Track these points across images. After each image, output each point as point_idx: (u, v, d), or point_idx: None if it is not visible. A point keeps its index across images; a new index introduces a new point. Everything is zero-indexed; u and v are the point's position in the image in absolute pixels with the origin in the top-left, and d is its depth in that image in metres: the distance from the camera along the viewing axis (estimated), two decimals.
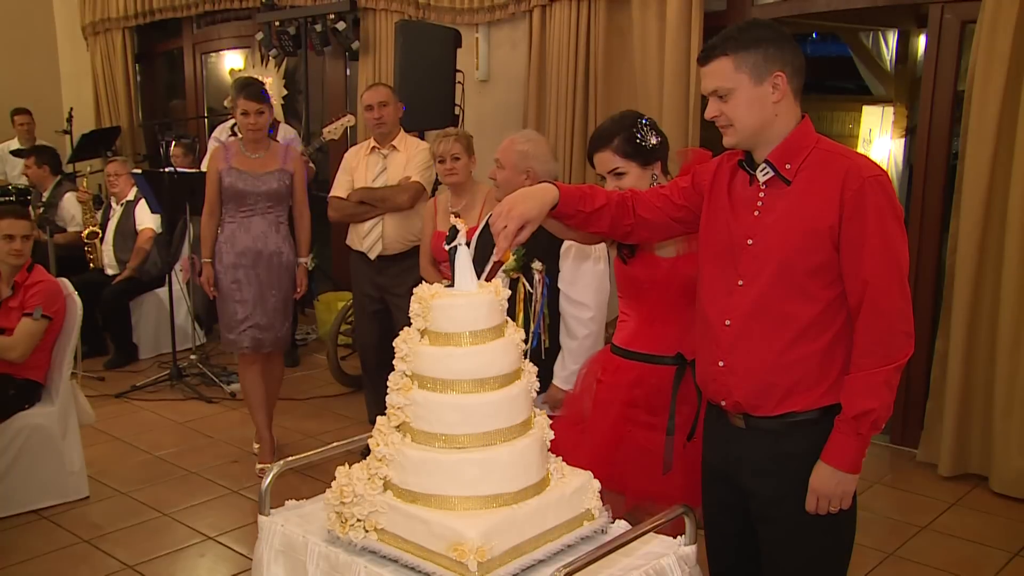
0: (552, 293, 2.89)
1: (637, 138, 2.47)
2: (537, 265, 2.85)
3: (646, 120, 2.52)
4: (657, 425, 2.45)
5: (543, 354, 2.87)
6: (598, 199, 2.12)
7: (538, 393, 1.95)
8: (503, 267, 2.81)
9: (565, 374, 2.89)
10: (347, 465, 1.92)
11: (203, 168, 5.03)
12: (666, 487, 2.40)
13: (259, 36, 6.80)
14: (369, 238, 4.33)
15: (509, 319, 1.92)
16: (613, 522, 1.97)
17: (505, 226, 1.96)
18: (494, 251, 1.99)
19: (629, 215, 2.16)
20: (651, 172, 2.51)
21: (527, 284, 2.86)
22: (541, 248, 2.78)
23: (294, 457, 2.17)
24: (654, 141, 2.49)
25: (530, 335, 2.84)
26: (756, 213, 1.99)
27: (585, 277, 2.86)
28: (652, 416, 2.47)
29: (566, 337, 2.90)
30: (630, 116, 2.53)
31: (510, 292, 2.04)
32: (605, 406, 2.53)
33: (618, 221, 2.15)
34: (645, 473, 2.42)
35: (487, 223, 2.96)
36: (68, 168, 7.25)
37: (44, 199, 6.73)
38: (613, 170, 2.49)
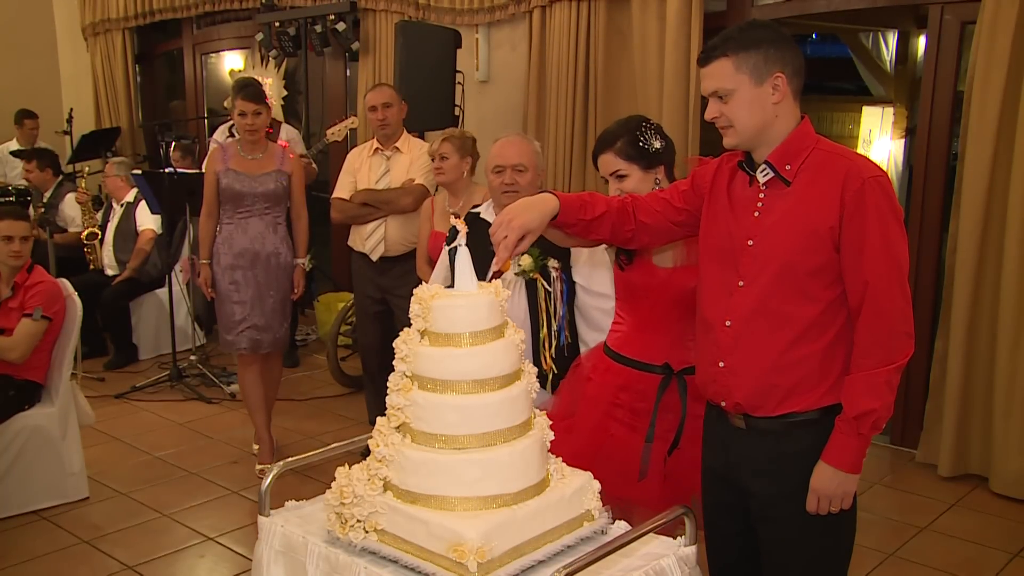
0: (570, 290, 2.91)
1: (640, 141, 2.47)
2: (554, 263, 2.86)
3: (651, 124, 2.53)
4: (639, 427, 2.46)
5: (566, 351, 2.88)
6: (598, 207, 2.12)
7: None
8: (523, 270, 2.86)
9: None
10: (347, 466, 1.92)
11: (203, 169, 5.03)
12: (642, 493, 2.41)
13: (259, 37, 6.80)
14: (372, 239, 4.33)
15: (509, 320, 1.92)
16: (613, 523, 1.97)
17: (506, 236, 1.97)
18: (494, 260, 1.99)
19: (630, 221, 2.17)
20: (654, 176, 2.51)
21: (545, 283, 2.88)
22: (556, 247, 2.80)
23: (294, 458, 2.17)
24: (657, 145, 2.49)
25: (552, 333, 2.86)
26: (756, 214, 2.00)
27: (601, 268, 2.88)
28: (635, 419, 2.48)
29: (590, 330, 2.89)
30: (635, 119, 2.55)
31: (509, 293, 2.04)
32: (593, 403, 2.54)
33: (619, 227, 2.16)
34: (622, 476, 2.43)
35: (476, 217, 2.98)
36: (68, 169, 7.24)
37: (45, 200, 6.72)
38: (615, 172, 2.50)
